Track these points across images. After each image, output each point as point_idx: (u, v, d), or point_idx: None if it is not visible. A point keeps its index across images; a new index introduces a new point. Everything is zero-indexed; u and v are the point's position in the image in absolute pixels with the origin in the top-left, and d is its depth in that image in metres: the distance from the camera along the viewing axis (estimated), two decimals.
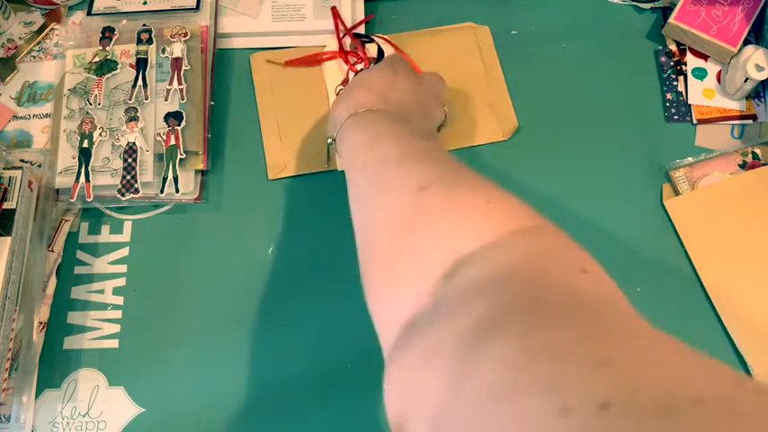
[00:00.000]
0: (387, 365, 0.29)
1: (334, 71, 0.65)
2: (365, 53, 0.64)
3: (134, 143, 0.60)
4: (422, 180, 0.34)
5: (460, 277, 0.28)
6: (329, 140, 0.49)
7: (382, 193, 0.36)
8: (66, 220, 0.60)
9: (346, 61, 0.64)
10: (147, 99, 0.61)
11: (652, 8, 0.68)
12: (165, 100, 0.61)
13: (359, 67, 0.64)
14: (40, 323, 0.56)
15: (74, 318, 0.57)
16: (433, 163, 0.37)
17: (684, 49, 0.65)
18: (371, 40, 0.65)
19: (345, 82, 0.64)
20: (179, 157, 0.59)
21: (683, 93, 0.64)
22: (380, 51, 0.64)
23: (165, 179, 0.59)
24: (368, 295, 0.35)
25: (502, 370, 0.22)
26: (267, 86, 0.65)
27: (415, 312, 0.29)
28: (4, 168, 0.57)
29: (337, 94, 0.63)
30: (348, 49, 0.65)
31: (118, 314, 0.57)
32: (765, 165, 0.60)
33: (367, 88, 0.50)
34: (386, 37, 0.65)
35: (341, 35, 0.65)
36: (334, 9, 0.66)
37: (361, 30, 0.66)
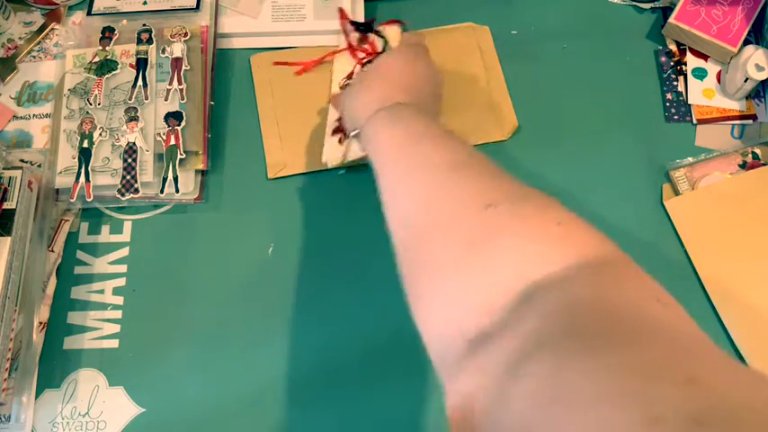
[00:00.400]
0: (451, 377, 0.30)
1: (342, 65, 0.64)
2: (374, 47, 0.63)
3: (134, 143, 0.60)
4: (486, 196, 0.34)
5: (534, 301, 0.28)
6: (352, 134, 0.48)
7: (439, 202, 0.36)
8: (66, 220, 0.60)
9: (354, 56, 0.64)
10: (147, 99, 0.61)
11: (652, 8, 0.68)
12: (165, 100, 0.61)
13: (365, 61, 0.63)
14: (40, 323, 0.56)
15: (74, 318, 0.57)
16: (491, 174, 0.37)
17: (684, 49, 0.65)
18: (371, 29, 0.64)
19: (350, 76, 0.63)
20: (179, 157, 0.59)
21: (683, 93, 0.64)
22: (386, 42, 0.62)
23: (165, 179, 0.59)
24: (415, 296, 0.35)
25: (586, 382, 0.22)
26: (267, 86, 0.65)
27: (484, 329, 0.29)
28: (4, 168, 0.57)
29: (342, 88, 0.62)
30: (356, 44, 0.64)
31: (118, 314, 0.57)
32: (765, 165, 0.60)
33: (391, 80, 0.49)
34: (392, 22, 0.64)
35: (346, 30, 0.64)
36: (341, 10, 0.65)
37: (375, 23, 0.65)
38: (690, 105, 0.63)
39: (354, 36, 0.64)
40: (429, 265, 0.35)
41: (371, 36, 0.64)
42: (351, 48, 0.64)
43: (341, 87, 0.63)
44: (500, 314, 0.29)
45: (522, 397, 0.24)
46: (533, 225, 0.32)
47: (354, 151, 0.56)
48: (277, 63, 0.66)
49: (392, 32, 0.63)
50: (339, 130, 0.58)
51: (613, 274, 0.29)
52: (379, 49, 0.62)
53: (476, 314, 0.30)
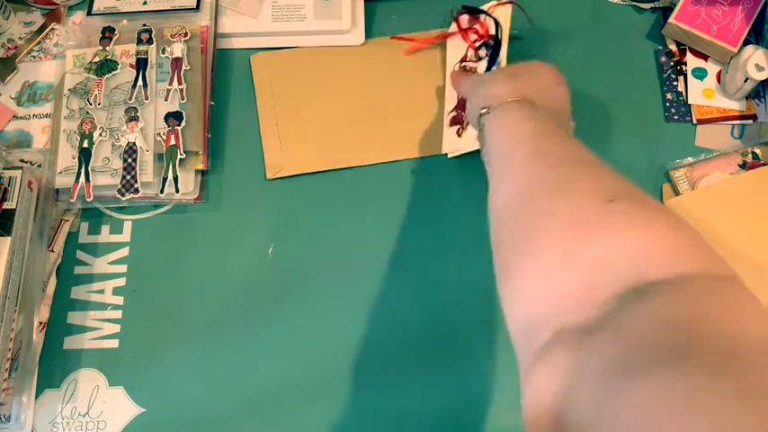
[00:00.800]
0: (535, 364, 0.30)
1: (454, 48, 0.64)
2: (486, 28, 0.62)
3: (134, 143, 0.60)
4: (610, 192, 0.35)
5: (645, 304, 0.28)
6: (483, 111, 0.48)
7: (561, 188, 0.36)
8: (66, 220, 0.60)
9: (466, 38, 0.63)
10: (147, 99, 0.61)
11: (652, 8, 0.68)
12: (166, 100, 0.61)
13: (478, 44, 0.62)
14: (40, 323, 0.56)
15: (74, 318, 0.57)
16: (616, 176, 0.38)
17: (684, 49, 0.65)
18: (481, 11, 0.63)
19: (464, 59, 0.63)
20: (179, 157, 0.59)
21: (683, 93, 0.64)
22: (497, 24, 0.61)
23: (165, 179, 0.59)
24: (511, 279, 0.35)
25: (715, 405, 0.22)
26: (267, 86, 0.65)
27: (580, 320, 0.29)
28: (4, 168, 0.57)
29: (456, 69, 0.63)
30: (466, 26, 0.63)
31: (118, 314, 0.57)
32: (765, 165, 0.60)
33: (535, 83, 0.49)
34: (503, 3, 0.62)
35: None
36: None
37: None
38: (690, 105, 0.63)
39: (464, 18, 0.64)
40: (535, 249, 0.34)
41: (482, 17, 0.62)
42: (462, 30, 0.63)
43: (454, 68, 0.63)
44: (603, 305, 0.29)
45: (633, 408, 0.24)
46: (658, 228, 0.32)
47: (472, 142, 0.57)
48: (395, 38, 0.66)
49: (503, 13, 0.61)
50: (456, 121, 0.60)
51: (734, 299, 0.29)
52: (492, 30, 0.61)
53: (574, 309, 0.30)
